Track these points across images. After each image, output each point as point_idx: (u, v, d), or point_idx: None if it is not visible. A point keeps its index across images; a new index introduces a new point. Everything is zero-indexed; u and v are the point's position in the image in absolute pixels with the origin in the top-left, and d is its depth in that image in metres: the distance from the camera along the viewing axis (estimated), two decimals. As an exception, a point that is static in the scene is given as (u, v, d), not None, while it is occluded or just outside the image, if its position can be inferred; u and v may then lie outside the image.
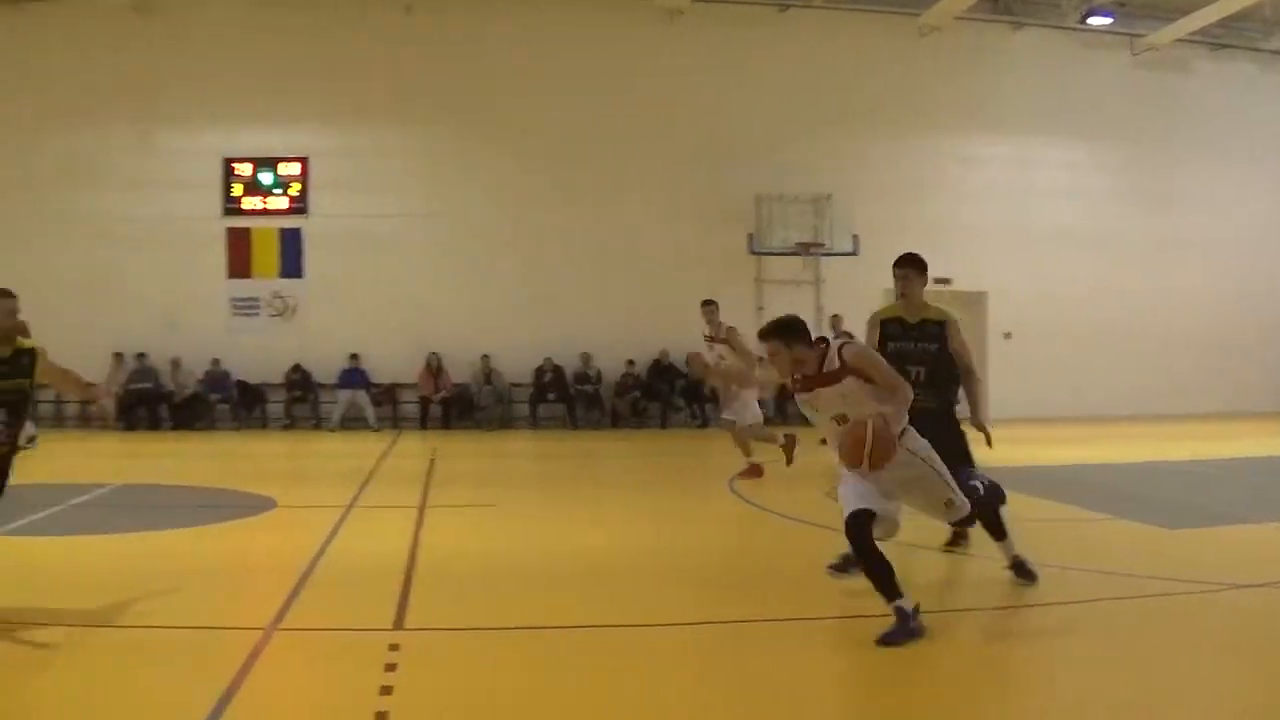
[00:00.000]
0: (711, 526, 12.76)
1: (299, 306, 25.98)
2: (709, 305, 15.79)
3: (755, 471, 15.61)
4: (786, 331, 7.27)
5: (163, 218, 25.04)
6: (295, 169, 26.07)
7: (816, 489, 13.08)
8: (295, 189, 26.12)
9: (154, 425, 24.62)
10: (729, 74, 26.46)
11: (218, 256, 25.82)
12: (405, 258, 25.92)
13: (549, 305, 26.02)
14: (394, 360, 25.22)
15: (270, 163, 26.03)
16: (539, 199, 26.06)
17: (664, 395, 25.86)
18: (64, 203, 25.05)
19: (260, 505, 13.29)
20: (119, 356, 24.88)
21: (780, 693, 6.37)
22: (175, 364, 24.97)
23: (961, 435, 9.23)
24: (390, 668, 6.53)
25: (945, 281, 27.09)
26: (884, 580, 7.10)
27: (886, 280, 9.72)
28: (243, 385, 25.36)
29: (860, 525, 7.13)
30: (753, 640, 7.49)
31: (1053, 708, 6.19)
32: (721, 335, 15.59)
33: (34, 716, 5.95)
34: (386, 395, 25.69)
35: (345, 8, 25.74)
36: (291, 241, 26.12)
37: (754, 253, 26.14)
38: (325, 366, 25.53)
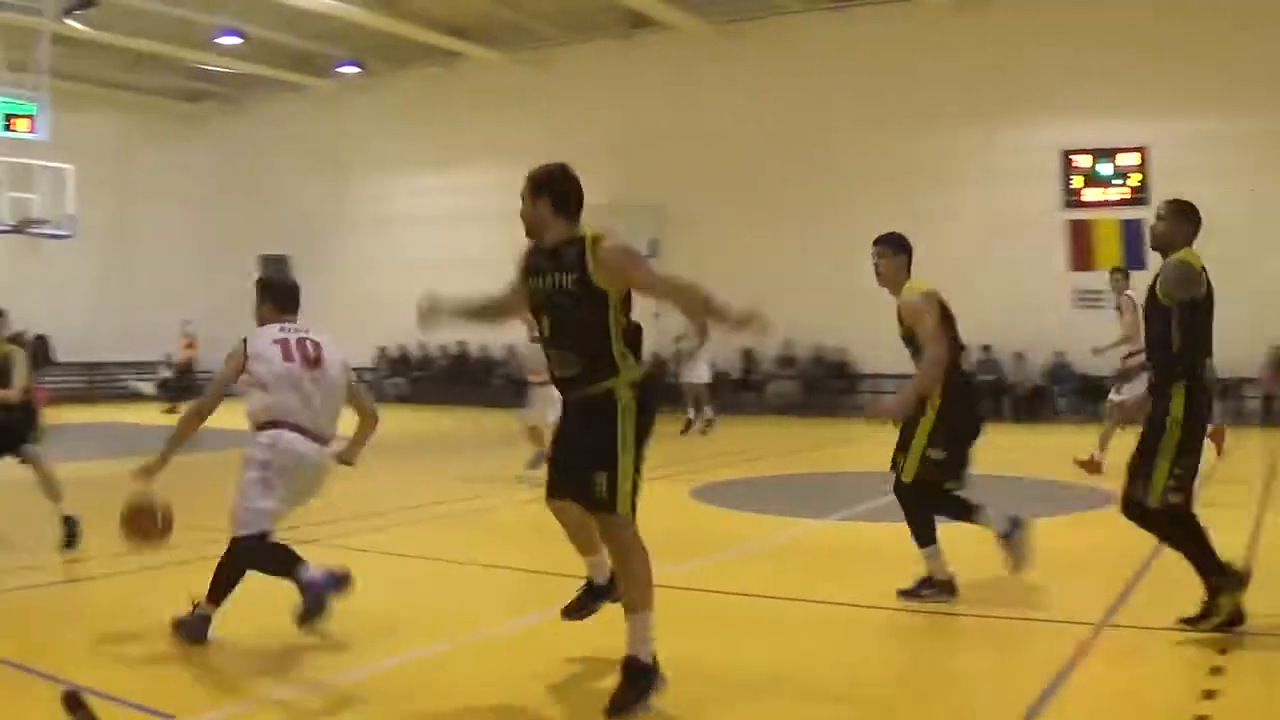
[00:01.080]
0: None
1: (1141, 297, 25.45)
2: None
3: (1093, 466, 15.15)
4: None
5: (1004, 212, 25.49)
6: (1134, 159, 25.65)
7: None
8: (1135, 179, 25.70)
9: (996, 417, 25.08)
10: None
11: (1058, 249, 25.90)
12: (1256, 245, 24.73)
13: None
14: (1235, 352, 24.05)
15: (1108, 153, 25.80)
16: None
17: None
18: (908, 201, 26.20)
19: (1096, 499, 13.19)
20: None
21: None
22: (1018, 356, 25.37)
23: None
24: (1216, 671, 6.35)
25: None
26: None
27: None
28: (1085, 378, 25.31)
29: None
30: None
31: None
32: None
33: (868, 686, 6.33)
34: (1235, 389, 24.67)
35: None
36: (1133, 232, 25.68)
37: None
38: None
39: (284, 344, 7.33)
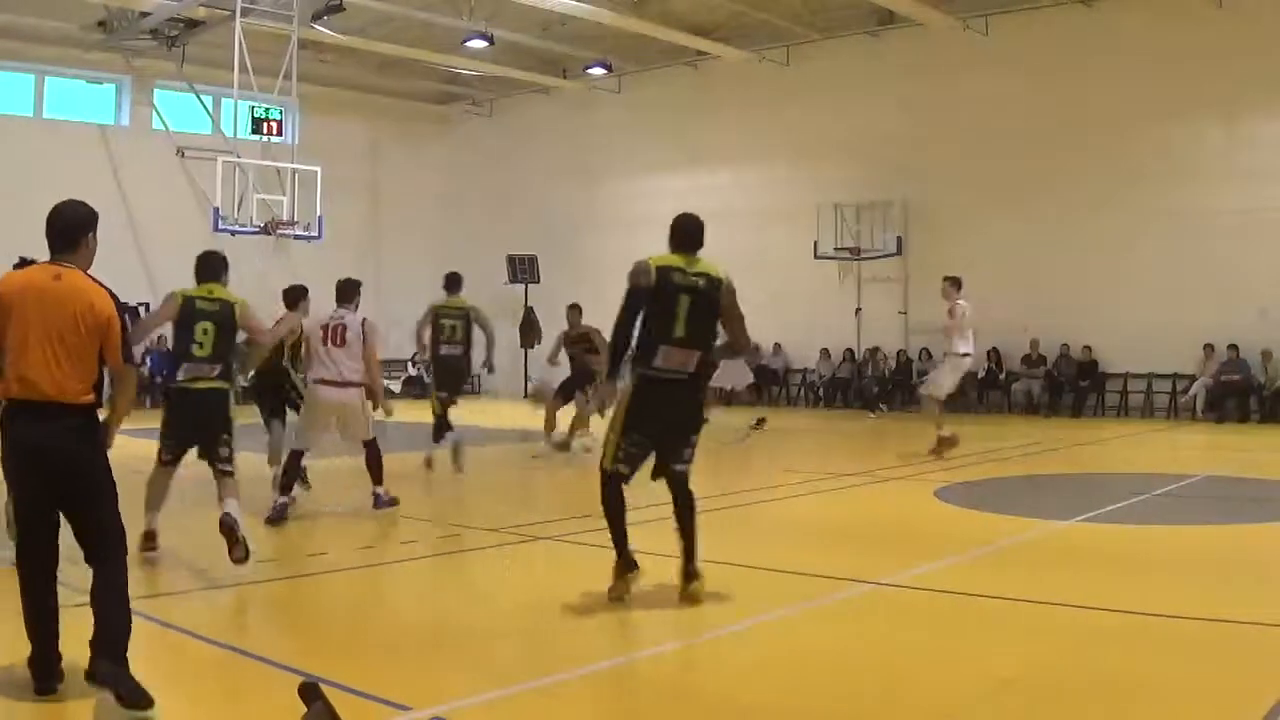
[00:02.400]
0: None
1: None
2: None
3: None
4: None
5: (1252, 208, 24.50)
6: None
7: None
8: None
9: (1243, 417, 24.44)
10: None
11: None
12: None
13: None
14: None
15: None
16: None
17: None
18: (1158, 199, 25.47)
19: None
20: (1209, 348, 24.94)
21: None
22: (1266, 356, 24.44)
23: None
24: None
25: None
26: None
27: None
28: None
29: None
30: None
31: None
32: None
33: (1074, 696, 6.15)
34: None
35: None
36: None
37: None
38: None
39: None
